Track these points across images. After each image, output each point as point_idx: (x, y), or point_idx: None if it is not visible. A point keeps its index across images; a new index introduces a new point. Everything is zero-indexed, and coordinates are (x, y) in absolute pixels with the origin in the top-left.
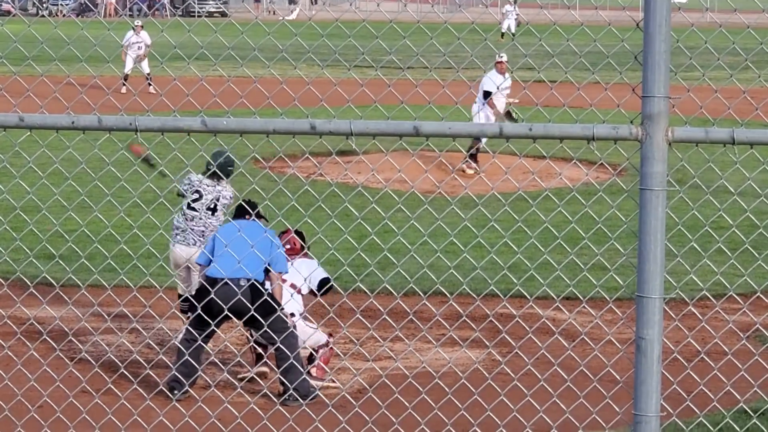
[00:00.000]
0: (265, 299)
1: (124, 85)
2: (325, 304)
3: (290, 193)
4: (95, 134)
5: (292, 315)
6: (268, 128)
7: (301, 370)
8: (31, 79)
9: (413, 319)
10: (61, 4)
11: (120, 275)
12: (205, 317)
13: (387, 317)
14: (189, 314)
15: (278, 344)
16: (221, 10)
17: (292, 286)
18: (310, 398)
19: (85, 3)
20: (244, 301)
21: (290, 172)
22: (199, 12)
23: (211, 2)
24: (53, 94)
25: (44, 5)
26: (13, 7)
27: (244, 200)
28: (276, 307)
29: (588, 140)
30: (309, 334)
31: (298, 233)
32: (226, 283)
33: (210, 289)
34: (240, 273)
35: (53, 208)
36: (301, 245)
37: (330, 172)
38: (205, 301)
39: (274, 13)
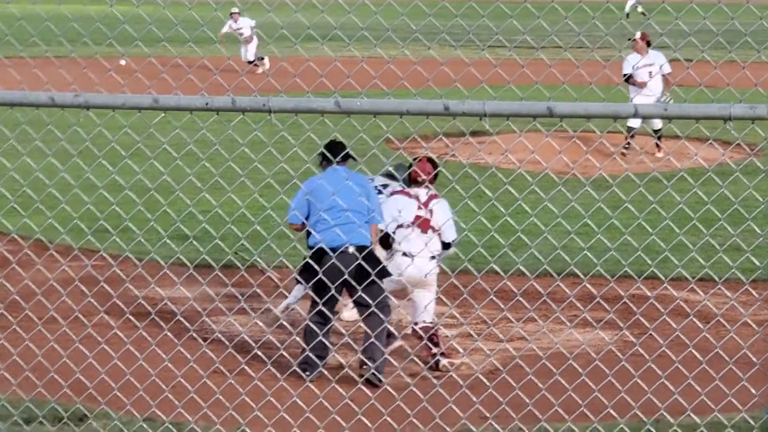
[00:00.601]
0: (373, 264)
1: (257, 66)
2: (459, 285)
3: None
4: (228, 115)
5: (432, 258)
6: (402, 109)
7: (383, 349)
8: (165, 60)
9: (546, 300)
10: None
11: (254, 256)
12: (321, 289)
13: (521, 298)
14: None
15: (371, 315)
16: None
17: (432, 228)
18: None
19: None
20: (362, 264)
21: (423, 152)
22: None
23: None
24: (187, 75)
25: None
26: None
27: (331, 140)
28: (381, 275)
29: (725, 120)
30: (430, 300)
31: (430, 160)
32: (336, 252)
33: (319, 262)
34: (345, 239)
35: (186, 188)
36: (435, 172)
37: (462, 153)
38: (317, 277)
39: None
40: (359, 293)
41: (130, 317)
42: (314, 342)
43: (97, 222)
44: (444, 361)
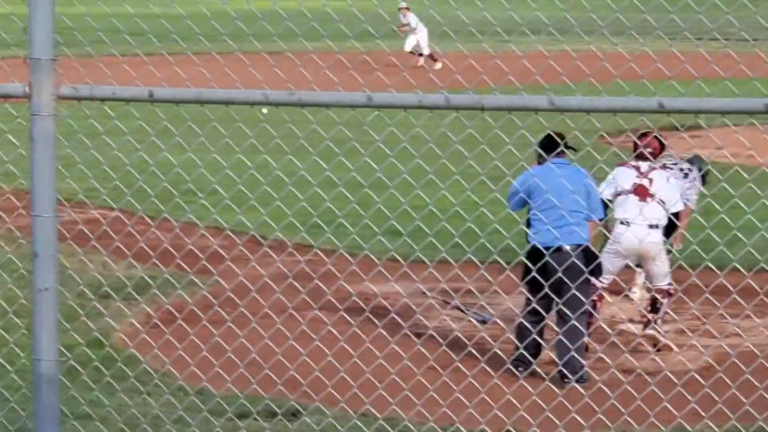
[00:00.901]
0: (588, 264)
1: (435, 61)
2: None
3: None
4: (442, 112)
5: (651, 226)
6: (616, 107)
7: (582, 361)
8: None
9: (764, 298)
10: None
11: (467, 253)
12: (542, 286)
13: (736, 296)
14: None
15: (571, 320)
16: None
17: (650, 196)
18: (580, 378)
19: None
20: (577, 263)
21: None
22: None
23: None
24: (401, 72)
25: None
26: None
27: (550, 132)
28: (593, 273)
29: None
30: (667, 270)
31: (657, 137)
32: (556, 249)
33: (534, 260)
34: (566, 238)
35: (400, 185)
36: (661, 146)
37: (675, 148)
38: (532, 274)
39: None
40: (569, 293)
41: (344, 314)
42: (528, 340)
43: (311, 218)
44: (650, 331)
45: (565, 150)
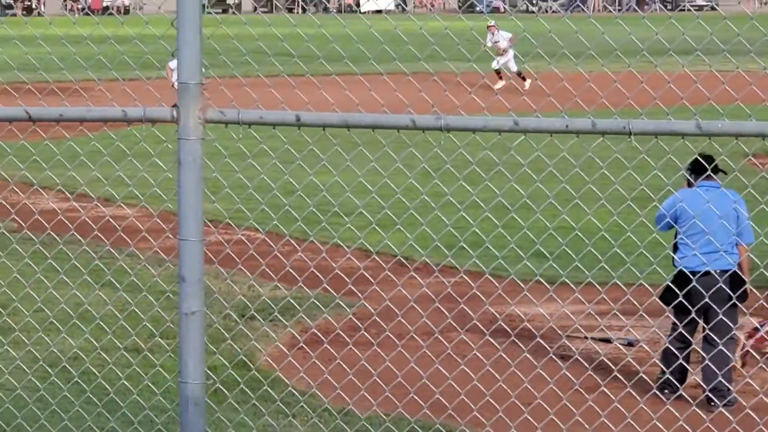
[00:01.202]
0: (735, 290)
1: (500, 79)
2: None
3: None
4: (588, 136)
5: None
6: (764, 131)
7: (728, 386)
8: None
9: None
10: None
11: (613, 278)
12: (687, 311)
13: None
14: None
15: (718, 344)
16: (711, 4)
17: None
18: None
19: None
20: (724, 289)
21: None
22: (688, 6)
23: None
24: (547, 97)
25: (534, 1)
26: (503, 3)
27: (700, 155)
28: (740, 299)
29: None
30: None
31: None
32: (703, 274)
33: (681, 284)
34: (716, 263)
35: (546, 208)
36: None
37: None
38: (681, 295)
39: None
40: (717, 318)
41: (489, 338)
42: (674, 365)
43: (456, 241)
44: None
45: (712, 174)
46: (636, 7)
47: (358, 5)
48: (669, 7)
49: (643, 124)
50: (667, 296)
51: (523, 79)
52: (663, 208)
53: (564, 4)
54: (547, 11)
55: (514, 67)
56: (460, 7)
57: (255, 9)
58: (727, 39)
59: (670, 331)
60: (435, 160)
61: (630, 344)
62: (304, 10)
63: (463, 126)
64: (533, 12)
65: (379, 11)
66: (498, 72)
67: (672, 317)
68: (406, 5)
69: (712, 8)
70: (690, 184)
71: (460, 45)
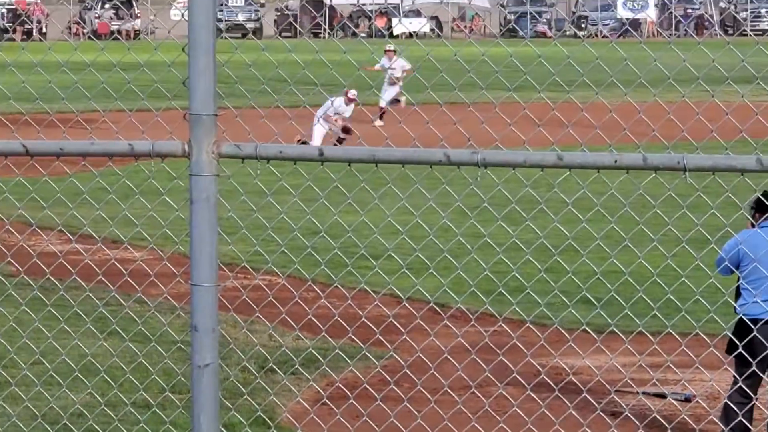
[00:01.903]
0: None
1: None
2: None
3: None
4: (639, 172)
5: None
6: None
7: None
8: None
9: None
10: (603, 23)
11: (667, 327)
12: (749, 363)
13: None
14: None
15: None
16: None
17: None
18: None
19: (625, 22)
20: None
21: None
22: (749, 31)
23: (765, 20)
24: (594, 129)
25: (583, 24)
26: (549, 29)
27: (763, 193)
28: None
29: None
30: None
31: None
32: (766, 322)
33: (742, 333)
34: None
35: (593, 251)
36: None
37: None
38: (744, 343)
39: None
40: None
41: (531, 392)
42: (735, 422)
43: (495, 287)
44: None
45: None
46: (692, 32)
47: (389, 29)
48: (730, 31)
49: (699, 159)
50: (729, 347)
51: (382, 115)
52: (723, 250)
53: (615, 28)
54: (596, 35)
55: (389, 97)
56: (500, 32)
57: (276, 33)
58: None
59: (731, 386)
60: (471, 198)
61: (686, 400)
62: (330, 35)
63: (503, 161)
64: (580, 37)
65: (412, 35)
66: (386, 107)
67: (732, 370)
68: (441, 29)
69: None
70: (753, 225)
71: (499, 73)
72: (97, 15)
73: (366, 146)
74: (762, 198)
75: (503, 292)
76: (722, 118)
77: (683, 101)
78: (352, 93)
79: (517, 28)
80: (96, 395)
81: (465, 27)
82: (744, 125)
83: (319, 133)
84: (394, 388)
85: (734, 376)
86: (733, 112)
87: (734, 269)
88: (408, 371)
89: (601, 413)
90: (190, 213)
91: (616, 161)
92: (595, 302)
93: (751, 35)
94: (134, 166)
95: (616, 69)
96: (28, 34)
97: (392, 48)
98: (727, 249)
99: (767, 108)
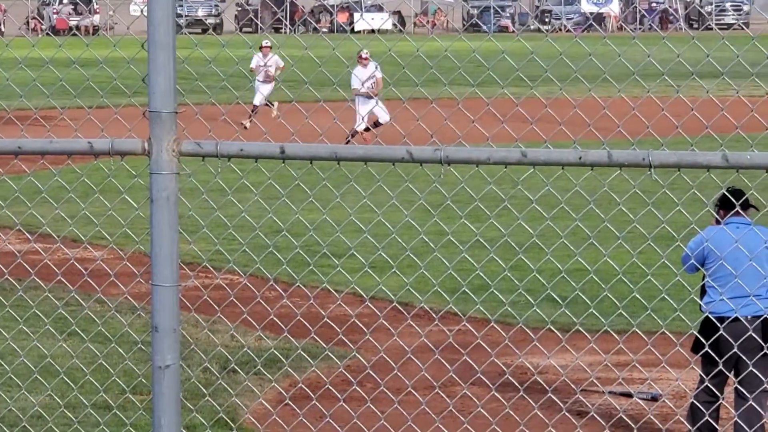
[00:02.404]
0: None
1: (249, 118)
2: None
3: None
4: (604, 169)
5: None
6: None
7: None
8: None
9: None
10: (567, 18)
11: (633, 325)
12: (715, 362)
13: None
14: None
15: (750, 400)
16: (740, 22)
17: None
18: None
19: (588, 16)
20: (756, 338)
21: None
22: (714, 25)
23: (730, 14)
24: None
25: (547, 19)
26: (512, 24)
27: (728, 189)
28: None
29: None
30: None
31: None
32: (732, 320)
33: (708, 332)
34: (746, 309)
35: (558, 249)
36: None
37: None
38: (711, 342)
39: None
40: (748, 369)
41: (496, 393)
42: (701, 421)
43: (459, 285)
44: None
45: (741, 211)
46: (657, 27)
47: (351, 24)
48: (695, 25)
49: (665, 155)
50: (695, 345)
51: (251, 115)
52: (689, 248)
53: (580, 22)
54: (559, 30)
55: (257, 101)
56: (463, 26)
57: (237, 29)
58: (757, 61)
59: (698, 384)
60: (435, 196)
61: (653, 399)
62: (291, 30)
63: (466, 158)
64: (544, 32)
65: (374, 31)
66: (260, 105)
67: (698, 369)
68: (404, 24)
69: (743, 27)
70: (718, 222)
71: (462, 68)
72: (55, 11)
73: (328, 144)
74: (727, 194)
75: (467, 290)
76: (688, 113)
77: (648, 97)
78: (365, 52)
79: (479, 23)
80: (56, 397)
81: (427, 22)
82: (710, 120)
83: (362, 110)
84: (357, 388)
85: (701, 375)
86: (699, 107)
87: (700, 267)
88: (371, 371)
89: (567, 413)
90: (151, 212)
91: (580, 158)
92: (560, 301)
93: (716, 30)
94: (94, 164)
95: (580, 64)
96: None
97: (267, 43)
98: (692, 247)
99: (733, 103)
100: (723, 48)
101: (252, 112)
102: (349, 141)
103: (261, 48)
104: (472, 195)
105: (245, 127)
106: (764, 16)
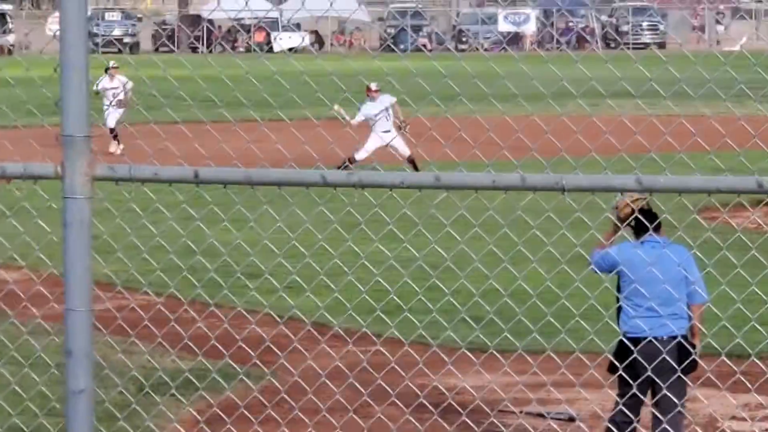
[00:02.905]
0: (682, 359)
1: (115, 141)
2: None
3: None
4: (519, 191)
5: None
6: (711, 187)
7: None
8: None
9: None
10: (484, 37)
11: (547, 348)
12: (630, 382)
13: None
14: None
15: (667, 417)
16: (660, 41)
17: None
18: None
19: (503, 36)
20: (669, 360)
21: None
22: (621, 43)
23: (648, 33)
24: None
25: (464, 38)
26: (429, 42)
27: (640, 211)
28: (690, 369)
29: None
30: None
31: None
32: (647, 341)
33: (624, 353)
34: (662, 330)
35: (473, 271)
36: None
37: None
38: (626, 363)
39: (718, 43)
40: (663, 390)
41: (409, 417)
42: None
43: (374, 307)
44: None
45: (653, 232)
46: (574, 46)
47: (269, 44)
48: (612, 45)
49: (578, 179)
50: (611, 366)
51: (116, 138)
52: (601, 255)
53: (497, 42)
54: (477, 49)
55: (112, 123)
56: (380, 46)
57: (154, 49)
58: (673, 81)
59: (613, 406)
60: (350, 217)
61: (569, 420)
62: (209, 50)
63: (379, 182)
64: (460, 51)
65: (292, 49)
66: (113, 131)
67: (614, 390)
68: (322, 43)
69: (660, 45)
70: (638, 238)
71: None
72: None
73: (241, 167)
74: (640, 216)
75: (381, 314)
76: (602, 136)
77: (561, 120)
78: (374, 85)
79: (391, 45)
80: None
81: (345, 41)
82: (626, 141)
83: (373, 144)
84: (272, 411)
85: (617, 396)
86: (615, 128)
87: (606, 272)
88: (285, 394)
89: None
90: (64, 236)
91: (494, 182)
92: (475, 323)
93: (625, 49)
94: (5, 187)
95: (495, 85)
96: None
97: (114, 64)
98: (606, 257)
99: (649, 124)
100: (642, 67)
101: (113, 136)
102: (346, 167)
103: (107, 70)
104: (386, 218)
105: (115, 153)
106: (675, 38)
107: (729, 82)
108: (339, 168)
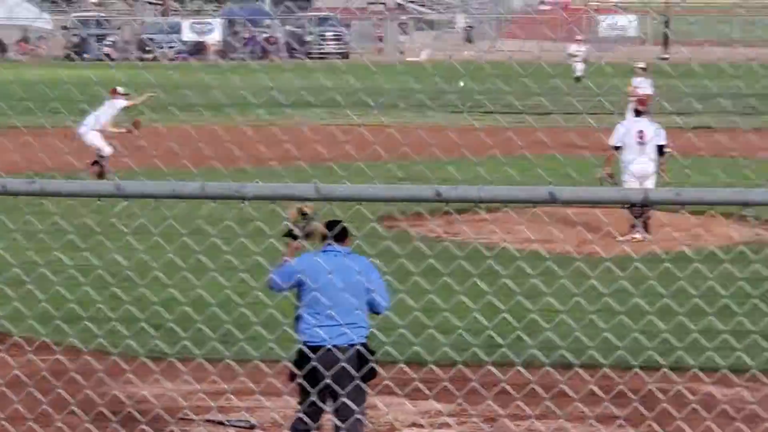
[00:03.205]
0: (369, 368)
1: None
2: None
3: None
4: (200, 201)
5: None
6: (389, 196)
7: None
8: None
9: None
10: (169, 46)
11: (225, 356)
12: (309, 390)
13: (536, 386)
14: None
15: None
16: (343, 51)
17: None
18: None
19: (195, 45)
20: (348, 368)
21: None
22: (318, 53)
23: (331, 43)
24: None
25: (148, 47)
26: (114, 51)
27: (330, 221)
28: (369, 377)
29: (742, 206)
30: None
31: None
32: (326, 349)
33: (302, 361)
34: (340, 338)
35: (152, 280)
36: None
37: (467, 230)
38: (306, 371)
39: (402, 53)
40: (341, 400)
41: (90, 425)
42: None
43: (53, 316)
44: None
45: (345, 236)
46: (254, 56)
47: None
48: (297, 54)
49: (258, 188)
50: (292, 374)
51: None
52: (280, 269)
53: (182, 51)
54: (161, 58)
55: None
56: (67, 56)
57: None
58: (356, 89)
59: (295, 413)
60: (28, 227)
61: (251, 427)
62: None
63: (59, 191)
64: (143, 60)
65: None
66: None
67: (295, 398)
68: (5, 50)
69: (344, 56)
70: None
71: (55, 98)
72: None
73: None
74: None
75: (60, 322)
76: (282, 144)
77: (239, 127)
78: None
79: (73, 53)
80: None
81: (30, 50)
82: (305, 150)
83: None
84: None
85: (297, 404)
86: (293, 138)
87: (288, 286)
88: None
89: None
90: None
91: (174, 191)
92: (152, 331)
93: (303, 59)
94: None
95: (175, 94)
96: None
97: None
98: (284, 268)
99: (328, 134)
100: (327, 77)
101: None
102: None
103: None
104: (66, 227)
105: None
106: (355, 49)
107: (409, 92)
108: (90, 164)
